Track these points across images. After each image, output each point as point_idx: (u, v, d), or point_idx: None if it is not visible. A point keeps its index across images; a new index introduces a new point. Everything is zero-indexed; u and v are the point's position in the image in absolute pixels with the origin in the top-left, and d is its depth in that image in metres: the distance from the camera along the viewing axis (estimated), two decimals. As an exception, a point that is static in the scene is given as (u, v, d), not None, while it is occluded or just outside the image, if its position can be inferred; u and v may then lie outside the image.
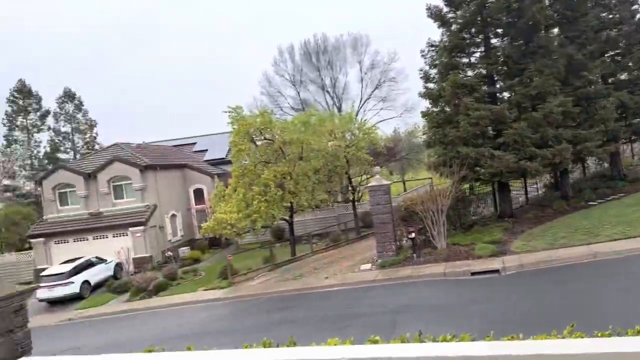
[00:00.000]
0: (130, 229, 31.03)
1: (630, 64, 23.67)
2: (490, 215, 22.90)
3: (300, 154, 25.51)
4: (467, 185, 22.49)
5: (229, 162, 36.28)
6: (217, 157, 44.34)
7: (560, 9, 22.55)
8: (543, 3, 21.98)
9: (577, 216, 20.15)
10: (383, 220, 18.95)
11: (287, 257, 25.15)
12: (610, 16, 23.83)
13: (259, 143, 26.13)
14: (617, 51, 24.12)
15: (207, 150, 45.93)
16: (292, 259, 24.55)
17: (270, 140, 25.80)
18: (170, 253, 30.83)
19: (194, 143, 47.70)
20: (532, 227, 19.71)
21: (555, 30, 23.00)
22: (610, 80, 24.02)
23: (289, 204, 24.77)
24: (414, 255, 18.20)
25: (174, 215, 35.65)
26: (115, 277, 27.48)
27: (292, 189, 24.36)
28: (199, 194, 39.09)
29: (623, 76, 24.41)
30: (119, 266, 28.56)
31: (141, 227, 31.04)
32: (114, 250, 29.00)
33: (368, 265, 19.03)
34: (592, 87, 22.36)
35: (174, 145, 45.59)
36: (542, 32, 21.59)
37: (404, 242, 20.21)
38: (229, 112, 25.13)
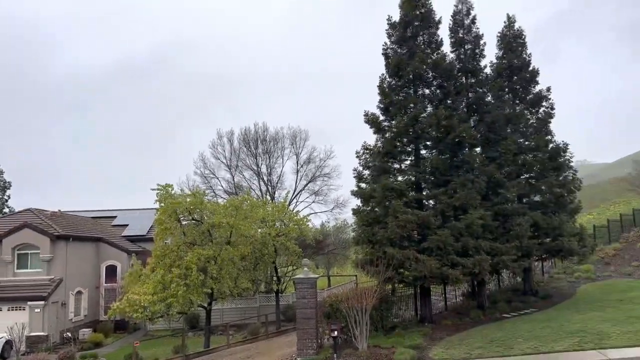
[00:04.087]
0: (29, 302, 28.25)
1: (543, 187, 25.90)
2: (411, 319, 23.04)
3: (228, 238, 25.03)
4: (390, 287, 22.73)
5: (150, 240, 34.80)
6: (137, 234, 42.50)
7: (483, 131, 24.73)
8: (469, 124, 24.13)
9: (493, 327, 20.68)
10: (306, 315, 18.48)
11: (201, 348, 23.64)
12: (527, 143, 26.40)
13: (185, 223, 25.41)
14: (532, 175, 26.43)
15: (127, 225, 43.98)
16: (206, 351, 23.10)
17: (198, 221, 25.20)
18: (69, 334, 28.08)
19: (114, 217, 45.64)
20: (451, 335, 19.92)
21: (479, 149, 24.98)
22: (524, 200, 26.06)
23: (210, 290, 23.75)
24: (335, 355, 17.69)
25: (79, 292, 33.00)
26: (2, 356, 24.41)
27: (215, 275, 23.53)
28: (111, 271, 36.79)
29: (536, 198, 26.58)
30: (8, 344, 25.48)
31: (41, 302, 28.36)
32: (7, 325, 25.96)
33: (286, 363, 18.20)
34: (509, 204, 24.08)
35: (93, 217, 43.33)
36: (467, 149, 23.41)
37: (326, 340, 19.68)
38: (158, 190, 24.53)
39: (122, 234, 41.88)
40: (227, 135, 47.03)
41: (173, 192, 24.94)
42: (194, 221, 25.32)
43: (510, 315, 23.03)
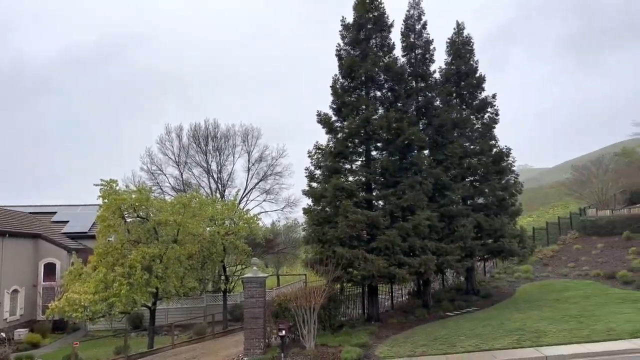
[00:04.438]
0: (-43, 302, 26.60)
1: (486, 190, 26.87)
2: (358, 318, 23.31)
3: (175, 236, 24.45)
4: (338, 286, 22.92)
5: (92, 237, 33.54)
6: (78, 231, 40.92)
7: (432, 134, 25.36)
8: (418, 127, 24.67)
9: (436, 325, 21.25)
10: (255, 315, 18.34)
11: (144, 349, 23.00)
12: (472, 147, 27.29)
13: (130, 220, 24.64)
14: (476, 178, 27.37)
15: (68, 221, 42.25)
16: (149, 351, 22.48)
17: (144, 218, 24.49)
18: (3, 334, 26.67)
19: (54, 212, 43.73)
20: (396, 333, 20.30)
21: (427, 152, 25.63)
22: (469, 202, 26.93)
23: (155, 290, 23.12)
24: (282, 354, 17.64)
25: (15, 291, 31.43)
26: None
27: (161, 274, 22.93)
28: (50, 269, 35.27)
29: (480, 200, 27.54)
30: None
31: (-28, 302, 26.75)
32: None
33: (232, 363, 17.99)
34: (455, 206, 24.81)
35: (31, 212, 41.32)
36: (416, 151, 23.97)
37: (273, 339, 19.60)
38: (101, 185, 23.66)
39: (63, 231, 40.16)
40: (176, 131, 45.95)
41: (118, 188, 24.11)
42: (139, 218, 24.57)
43: (454, 313, 23.75)
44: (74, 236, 39.82)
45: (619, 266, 29.89)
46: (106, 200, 23.30)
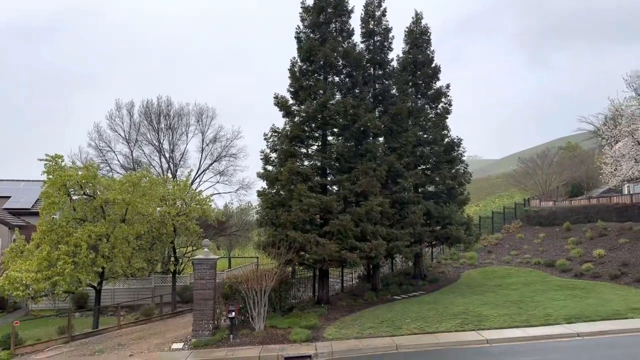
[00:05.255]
0: None
1: (437, 178, 27.58)
2: (308, 300, 23.59)
3: (123, 215, 23.81)
4: (290, 269, 23.07)
5: (36, 214, 32.21)
6: (21, 207, 39.22)
7: (387, 122, 25.68)
8: (374, 114, 24.93)
9: (384, 308, 21.81)
10: (204, 297, 18.22)
11: (89, 329, 22.45)
12: (425, 136, 27.87)
13: (76, 198, 23.77)
14: (428, 166, 28.03)
15: (10, 197, 40.37)
16: (94, 332, 21.96)
17: (91, 196, 23.70)
18: None
19: (-5, 187, 41.67)
20: (345, 315, 20.71)
21: (382, 139, 25.97)
22: (420, 190, 27.59)
23: (101, 270, 22.51)
24: (231, 336, 17.66)
25: (-51, 268, 29.77)
26: None
27: (107, 253, 22.33)
28: (-11, 245, 33.65)
29: (431, 188, 28.26)
30: None
31: None
32: None
33: (180, 345, 17.85)
34: (406, 193, 25.35)
35: (-31, 186, 39.23)
36: (371, 138, 24.25)
37: (223, 321, 19.58)
38: (46, 160, 22.67)
39: (4, 207, 38.35)
40: (126, 107, 44.27)
41: (63, 164, 23.14)
42: (85, 196, 23.74)
43: (401, 297, 24.42)
44: (17, 212, 38.15)
45: (558, 255, 31.44)
46: (51, 177, 22.35)
